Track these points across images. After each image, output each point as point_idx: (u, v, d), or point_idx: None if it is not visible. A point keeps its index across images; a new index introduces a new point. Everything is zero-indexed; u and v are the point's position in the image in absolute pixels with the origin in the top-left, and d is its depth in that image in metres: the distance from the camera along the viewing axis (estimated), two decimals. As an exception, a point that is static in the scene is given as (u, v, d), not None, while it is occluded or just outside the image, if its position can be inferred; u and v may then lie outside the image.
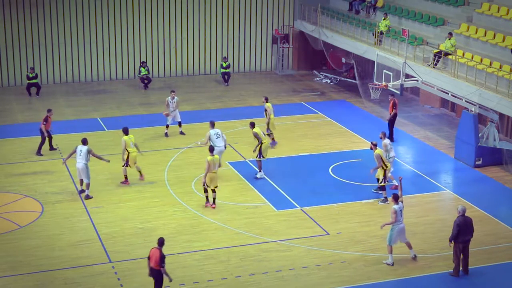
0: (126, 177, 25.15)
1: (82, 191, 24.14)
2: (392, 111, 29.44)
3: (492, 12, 30.90)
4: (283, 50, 41.66)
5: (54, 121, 29.08)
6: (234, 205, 23.61)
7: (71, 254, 20.20)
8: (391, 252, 19.78)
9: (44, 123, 28.07)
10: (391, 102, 29.43)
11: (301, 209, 23.30)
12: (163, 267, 17.22)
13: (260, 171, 25.89)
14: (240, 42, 41.32)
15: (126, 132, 25.09)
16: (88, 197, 23.93)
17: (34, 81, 36.21)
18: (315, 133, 30.43)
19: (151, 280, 18.81)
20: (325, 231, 21.79)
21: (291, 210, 23.23)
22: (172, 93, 29.97)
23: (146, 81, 37.84)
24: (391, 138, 29.05)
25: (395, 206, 19.48)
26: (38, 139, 29.41)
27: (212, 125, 25.73)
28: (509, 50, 28.16)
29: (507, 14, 30.10)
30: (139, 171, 25.37)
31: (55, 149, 28.17)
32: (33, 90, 36.11)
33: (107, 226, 21.94)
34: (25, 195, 24.14)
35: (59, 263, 19.68)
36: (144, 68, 37.80)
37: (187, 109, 34.18)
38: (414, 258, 20.04)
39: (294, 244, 20.80)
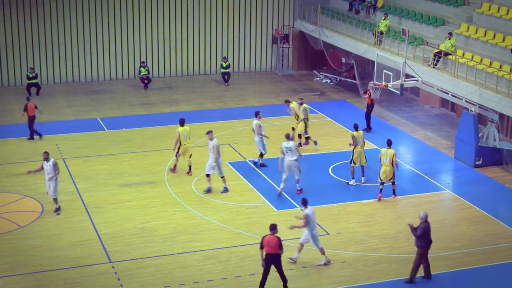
0: (175, 166, 25.88)
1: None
2: (371, 101, 30.79)
3: (492, 12, 30.89)
4: (283, 50, 41.64)
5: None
6: (234, 205, 23.60)
7: (71, 254, 20.19)
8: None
9: None
10: (369, 93, 30.60)
11: (301, 209, 23.23)
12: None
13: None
14: (240, 42, 41.31)
15: (181, 123, 25.54)
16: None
17: (34, 81, 36.18)
18: (315, 133, 30.37)
19: (151, 280, 18.85)
20: (325, 231, 21.78)
21: (291, 210, 23.21)
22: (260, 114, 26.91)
23: (146, 81, 37.82)
24: (369, 127, 30.98)
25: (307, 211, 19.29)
26: (39, 138, 29.44)
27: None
28: (509, 50, 28.15)
29: (507, 14, 30.09)
30: (189, 166, 25.77)
31: None
32: (33, 90, 36.06)
33: (107, 226, 21.93)
34: (25, 195, 24.12)
35: (59, 263, 19.66)
36: (144, 68, 37.78)
37: (187, 109, 34.19)
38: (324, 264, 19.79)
39: (294, 244, 20.78)
